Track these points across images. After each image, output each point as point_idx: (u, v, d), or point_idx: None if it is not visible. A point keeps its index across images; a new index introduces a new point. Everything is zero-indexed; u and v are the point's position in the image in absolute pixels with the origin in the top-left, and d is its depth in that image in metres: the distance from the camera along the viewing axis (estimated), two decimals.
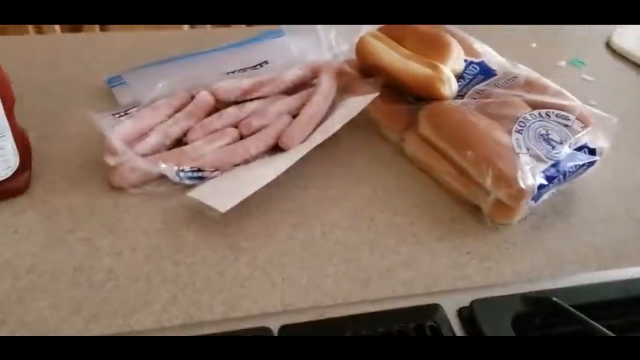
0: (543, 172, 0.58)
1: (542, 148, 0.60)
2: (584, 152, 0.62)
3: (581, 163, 0.61)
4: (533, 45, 0.97)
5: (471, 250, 0.58)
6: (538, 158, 0.59)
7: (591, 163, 0.62)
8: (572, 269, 0.57)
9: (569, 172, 0.60)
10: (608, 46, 1.00)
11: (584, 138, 0.62)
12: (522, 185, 0.56)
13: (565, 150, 0.60)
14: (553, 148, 0.60)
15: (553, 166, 0.59)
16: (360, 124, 0.68)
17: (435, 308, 0.50)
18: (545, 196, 0.62)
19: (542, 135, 0.61)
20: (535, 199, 0.60)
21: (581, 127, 0.63)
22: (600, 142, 0.63)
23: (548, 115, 0.63)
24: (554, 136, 0.61)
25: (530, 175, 0.57)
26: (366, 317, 0.49)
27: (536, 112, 0.63)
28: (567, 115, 0.63)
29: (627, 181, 0.69)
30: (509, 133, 0.61)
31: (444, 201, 0.63)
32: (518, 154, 0.58)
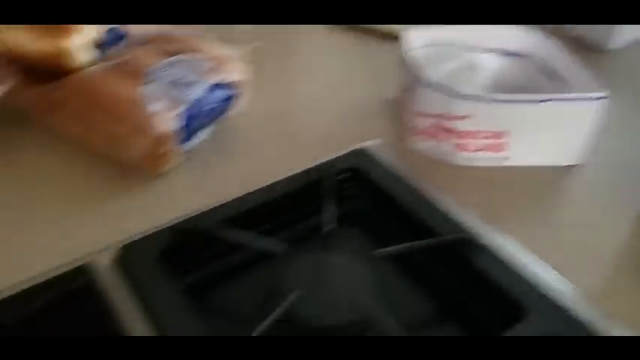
0: (180, 114, 0.61)
1: (176, 93, 0.62)
2: (222, 88, 0.66)
3: (221, 98, 0.65)
4: None
5: (134, 205, 0.59)
6: (173, 103, 0.62)
7: (231, 97, 0.67)
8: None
9: (212, 108, 0.64)
10: None
11: (219, 76, 0.66)
12: (157, 131, 0.59)
13: (200, 89, 0.64)
14: (187, 90, 0.63)
15: (192, 107, 0.62)
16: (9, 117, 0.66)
17: (84, 269, 0.50)
18: (199, 137, 0.65)
19: (175, 81, 0.63)
20: (185, 141, 0.63)
21: (213, 67, 0.66)
22: (236, 76, 0.67)
23: (180, 60, 0.66)
24: (187, 79, 0.64)
25: (166, 121, 0.60)
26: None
27: (166, 60, 0.65)
28: (199, 57, 0.67)
29: (278, 107, 0.76)
30: (143, 84, 0.63)
31: (101, 165, 0.64)
32: (150, 103, 0.60)
